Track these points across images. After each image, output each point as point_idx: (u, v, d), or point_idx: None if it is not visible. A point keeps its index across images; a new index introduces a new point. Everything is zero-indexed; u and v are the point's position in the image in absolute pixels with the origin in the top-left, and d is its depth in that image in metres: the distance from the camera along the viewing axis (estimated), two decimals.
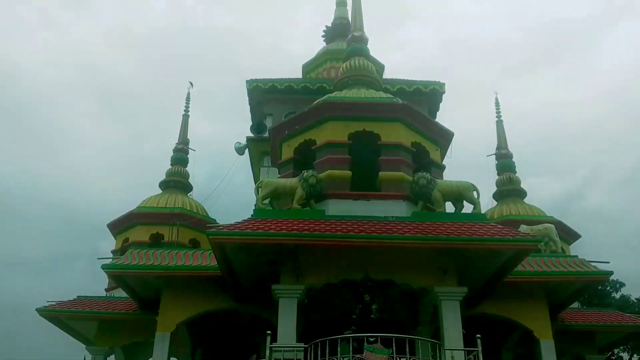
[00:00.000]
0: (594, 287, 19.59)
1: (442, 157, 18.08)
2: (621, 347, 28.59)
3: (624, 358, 30.29)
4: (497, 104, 26.87)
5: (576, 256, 17.50)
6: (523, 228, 17.23)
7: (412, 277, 13.80)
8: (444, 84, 23.16)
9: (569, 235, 22.72)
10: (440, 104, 23.67)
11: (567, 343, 18.02)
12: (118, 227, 23.46)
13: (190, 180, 25.86)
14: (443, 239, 13.19)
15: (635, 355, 29.61)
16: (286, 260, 14.00)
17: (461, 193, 15.23)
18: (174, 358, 19.70)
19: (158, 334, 16.27)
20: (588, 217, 55.36)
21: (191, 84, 27.90)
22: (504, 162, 25.47)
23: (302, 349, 12.39)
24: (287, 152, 17.35)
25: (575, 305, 20.34)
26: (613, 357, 29.76)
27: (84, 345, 20.21)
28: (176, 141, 26.64)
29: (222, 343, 21.30)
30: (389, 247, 13.42)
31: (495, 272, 14.44)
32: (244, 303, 16.50)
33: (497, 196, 24.89)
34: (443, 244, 13.38)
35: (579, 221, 23.80)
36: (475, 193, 15.30)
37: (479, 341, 12.16)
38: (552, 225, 19.74)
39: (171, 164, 25.81)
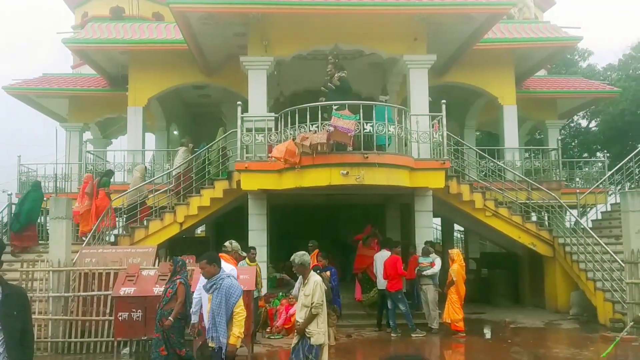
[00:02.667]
0: (563, 53, 19.68)
1: None
2: (581, 114, 29.87)
3: (582, 125, 31.87)
4: None
5: (548, 22, 17.28)
6: None
7: (383, 45, 13.64)
8: None
9: (544, 1, 22.15)
10: None
11: (529, 109, 18.72)
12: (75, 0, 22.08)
13: None
14: (416, 5, 12.82)
15: (593, 122, 31.08)
16: (254, 31, 13.58)
17: None
18: (150, 133, 20.17)
19: (130, 109, 16.41)
20: None
21: None
22: None
23: (273, 118, 12.65)
24: None
25: (542, 73, 20.69)
26: (572, 124, 31.29)
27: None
28: None
29: (196, 117, 21.73)
30: (359, 14, 12.99)
31: (466, 39, 14.31)
32: (214, 77, 16.44)
33: None
34: (415, 10, 12.99)
35: None
36: None
37: (443, 106, 12.50)
38: None
39: None
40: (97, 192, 13.31)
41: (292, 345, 6.49)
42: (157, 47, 15.97)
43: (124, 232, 13.56)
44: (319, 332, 6.26)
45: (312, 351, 6.21)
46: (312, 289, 6.29)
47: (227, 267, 7.22)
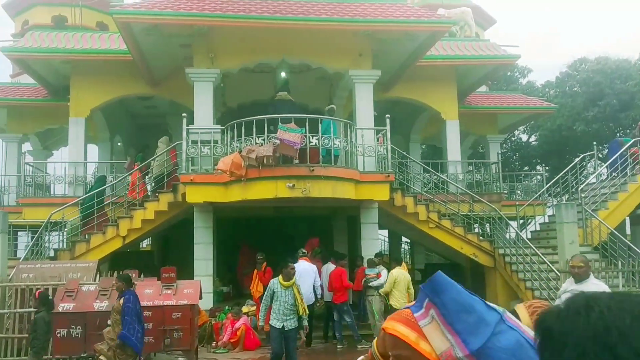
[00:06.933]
0: (503, 70, 20.41)
1: None
2: (521, 129, 30.94)
3: (522, 139, 33.05)
4: None
5: (489, 40, 17.91)
6: (441, 12, 17.16)
7: (328, 60, 13.82)
8: None
9: (485, 20, 22.93)
10: None
11: (471, 124, 19.27)
12: (15, 7, 21.39)
13: None
14: (360, 21, 13.00)
15: (532, 136, 32.25)
16: (199, 44, 13.53)
17: None
18: (93, 145, 19.69)
19: (72, 120, 15.99)
20: (503, 4, 55.90)
21: None
22: None
23: (219, 130, 12.62)
24: None
25: (483, 89, 21.37)
26: (513, 138, 32.40)
27: None
28: None
29: (141, 128, 21.36)
30: (305, 29, 13.14)
31: (410, 55, 14.67)
32: (159, 88, 16.25)
33: None
34: (360, 26, 13.23)
35: (493, 7, 23.72)
36: None
37: (387, 121, 12.78)
38: (469, 9, 19.80)
39: None
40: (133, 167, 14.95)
41: None
42: (100, 57, 15.67)
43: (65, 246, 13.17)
44: None
45: None
46: None
47: (312, 267, 11.05)
